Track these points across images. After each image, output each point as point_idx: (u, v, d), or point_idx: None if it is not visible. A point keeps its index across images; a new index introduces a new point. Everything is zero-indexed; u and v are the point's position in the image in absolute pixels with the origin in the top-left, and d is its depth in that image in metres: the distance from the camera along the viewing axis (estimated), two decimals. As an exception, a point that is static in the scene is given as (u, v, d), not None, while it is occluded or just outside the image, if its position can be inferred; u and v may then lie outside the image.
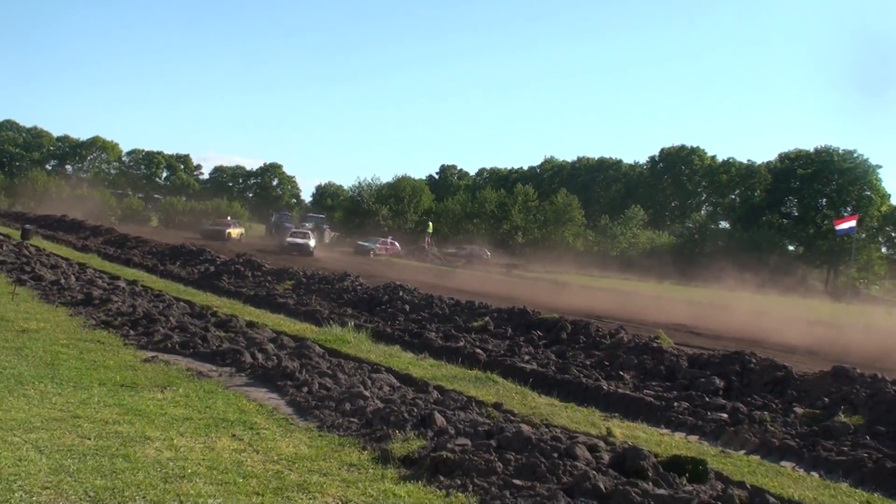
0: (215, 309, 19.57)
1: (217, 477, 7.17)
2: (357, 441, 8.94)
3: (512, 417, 10.98)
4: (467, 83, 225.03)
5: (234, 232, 70.55)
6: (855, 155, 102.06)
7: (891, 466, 10.41)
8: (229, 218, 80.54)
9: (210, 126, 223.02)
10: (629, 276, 75.43)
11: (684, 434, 12.02)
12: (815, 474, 10.42)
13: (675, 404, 13.25)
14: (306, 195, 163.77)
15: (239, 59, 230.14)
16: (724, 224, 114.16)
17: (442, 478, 7.77)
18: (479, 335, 19.15)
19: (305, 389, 11.31)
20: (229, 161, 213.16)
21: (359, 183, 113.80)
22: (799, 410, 13.08)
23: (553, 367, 15.69)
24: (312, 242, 60.44)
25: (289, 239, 60.31)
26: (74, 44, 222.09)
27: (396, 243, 77.58)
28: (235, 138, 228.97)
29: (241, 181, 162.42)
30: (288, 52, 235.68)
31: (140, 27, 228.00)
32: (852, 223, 73.16)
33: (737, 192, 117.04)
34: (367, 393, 11.11)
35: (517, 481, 7.74)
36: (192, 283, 27.66)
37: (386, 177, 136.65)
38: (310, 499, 6.86)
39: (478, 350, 16.79)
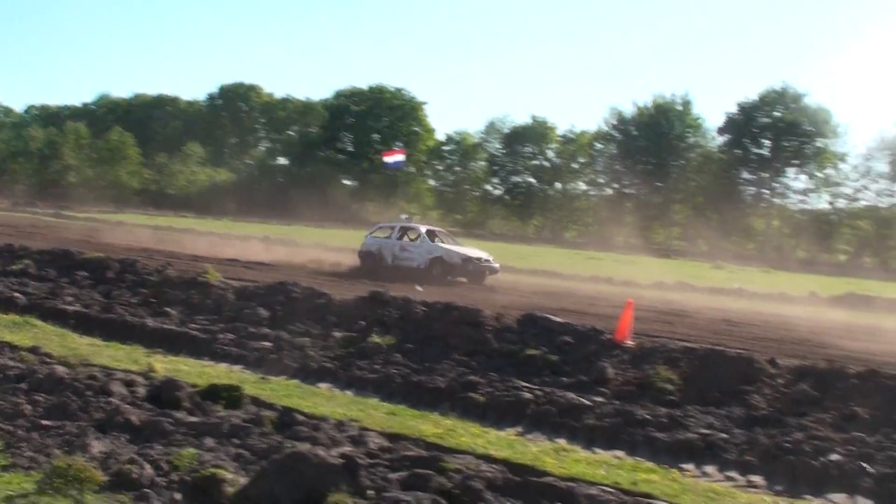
0: None
1: None
2: None
3: (48, 360, 10.65)
4: (8, 11, 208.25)
5: None
6: (403, 92, 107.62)
7: (416, 380, 11.40)
8: None
9: None
10: (187, 214, 74.69)
11: (229, 364, 12.36)
12: (349, 392, 11.16)
13: (221, 336, 13.53)
14: None
15: None
16: (282, 160, 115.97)
17: (-37, 427, 7.46)
18: (19, 279, 18.21)
19: None
20: None
21: None
22: (338, 334, 13.80)
23: (97, 307, 15.37)
24: None
25: None
26: None
27: None
28: None
29: None
30: None
31: None
32: (401, 156, 77.26)
33: (295, 128, 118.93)
34: None
35: (46, 422, 7.62)
36: None
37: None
38: None
39: (16, 294, 15.97)
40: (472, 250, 28.57)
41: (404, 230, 29.76)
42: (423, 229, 29.72)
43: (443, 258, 27.53)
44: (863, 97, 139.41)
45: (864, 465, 8.56)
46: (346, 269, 28.38)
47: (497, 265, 28.31)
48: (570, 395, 10.76)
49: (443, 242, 29.24)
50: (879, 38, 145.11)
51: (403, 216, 32.47)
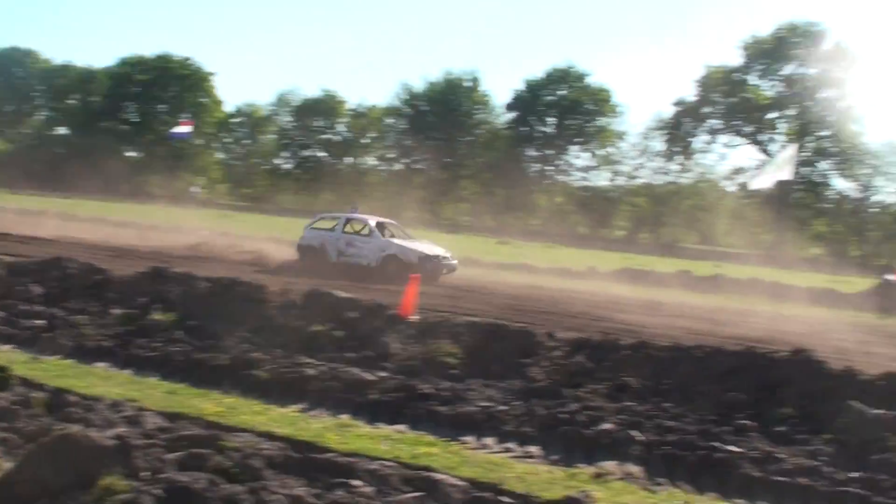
0: None
1: None
2: None
3: None
4: None
5: None
6: (190, 62, 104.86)
7: (198, 358, 11.17)
8: None
9: None
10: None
11: (-3, 345, 11.78)
12: (127, 371, 10.85)
13: (-11, 316, 12.88)
14: None
15: None
16: (62, 130, 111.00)
17: None
18: None
19: None
20: None
21: None
22: (117, 311, 13.38)
23: None
24: None
25: None
26: None
27: None
28: None
29: None
30: None
31: None
32: (188, 128, 75.36)
33: (76, 97, 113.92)
34: None
35: None
36: None
37: None
38: None
39: None
40: (427, 246, 25.41)
41: (349, 221, 26.32)
42: (371, 221, 26.05)
43: (398, 256, 24.25)
44: (641, 78, 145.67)
45: (634, 432, 8.99)
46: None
47: (455, 262, 25.33)
48: (355, 370, 10.82)
49: (394, 237, 26.00)
50: (657, 21, 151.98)
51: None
